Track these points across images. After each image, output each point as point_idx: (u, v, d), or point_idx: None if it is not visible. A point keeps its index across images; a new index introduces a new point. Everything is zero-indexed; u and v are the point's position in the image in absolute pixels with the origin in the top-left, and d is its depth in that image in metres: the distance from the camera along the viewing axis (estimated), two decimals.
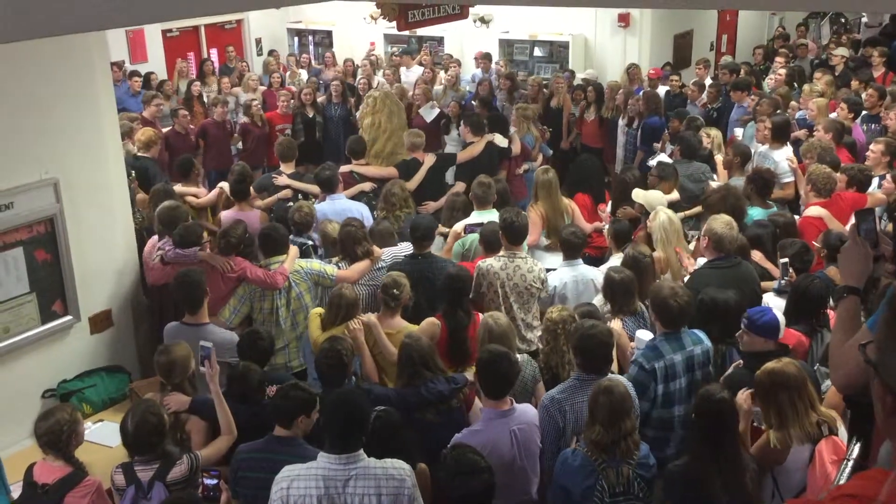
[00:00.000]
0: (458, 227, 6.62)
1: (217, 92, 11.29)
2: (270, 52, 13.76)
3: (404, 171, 7.87)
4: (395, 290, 5.18)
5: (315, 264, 5.93)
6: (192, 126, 9.67)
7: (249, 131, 10.08)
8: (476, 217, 6.61)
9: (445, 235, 6.82)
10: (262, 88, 11.79)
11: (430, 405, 4.49)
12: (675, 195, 7.19)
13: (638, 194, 6.86)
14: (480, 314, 5.40)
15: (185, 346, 4.66)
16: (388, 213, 6.99)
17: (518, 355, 4.68)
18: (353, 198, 7.51)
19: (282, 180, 7.76)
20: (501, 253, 5.79)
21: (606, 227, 6.84)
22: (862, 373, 1.62)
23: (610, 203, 7.51)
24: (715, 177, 7.83)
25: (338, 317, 5.23)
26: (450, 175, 8.57)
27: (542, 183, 6.98)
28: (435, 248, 6.41)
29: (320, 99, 10.97)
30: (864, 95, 9.35)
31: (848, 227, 5.04)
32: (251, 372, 4.61)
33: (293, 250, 5.91)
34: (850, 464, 2.68)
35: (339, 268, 5.93)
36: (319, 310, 5.48)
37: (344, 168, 8.04)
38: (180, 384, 4.65)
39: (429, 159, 8.13)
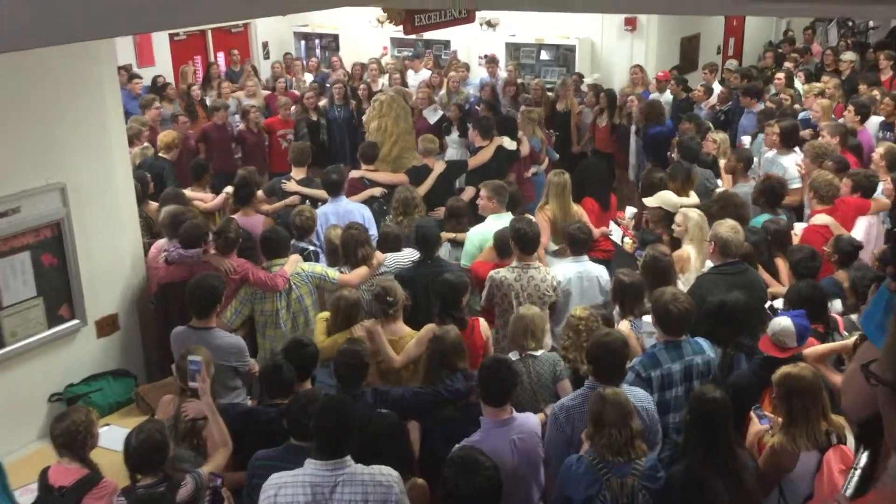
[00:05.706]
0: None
1: (217, 96, 11.26)
2: (285, 56, 13.70)
3: (414, 178, 7.86)
4: (389, 298, 5.13)
5: (317, 268, 5.96)
6: (191, 132, 9.64)
7: (245, 138, 10.01)
8: (491, 222, 6.54)
9: (450, 240, 6.80)
10: (266, 93, 11.77)
11: (448, 403, 4.50)
12: (694, 198, 7.01)
13: (650, 200, 6.82)
14: (480, 320, 5.40)
15: (206, 350, 4.60)
16: (404, 216, 6.95)
17: (546, 352, 4.75)
18: (363, 203, 7.50)
19: (290, 186, 7.75)
20: (514, 263, 5.73)
21: (623, 238, 6.82)
22: (867, 397, 1.55)
23: (628, 208, 7.46)
24: (720, 182, 7.80)
25: (339, 320, 5.22)
26: (459, 180, 8.55)
27: (554, 185, 6.94)
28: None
29: (322, 103, 10.93)
30: (878, 101, 9.25)
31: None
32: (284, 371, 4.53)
33: (295, 255, 5.97)
34: (858, 472, 2.66)
35: (341, 272, 5.93)
36: (325, 314, 5.46)
37: (355, 173, 8.03)
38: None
39: (439, 166, 8.13)
